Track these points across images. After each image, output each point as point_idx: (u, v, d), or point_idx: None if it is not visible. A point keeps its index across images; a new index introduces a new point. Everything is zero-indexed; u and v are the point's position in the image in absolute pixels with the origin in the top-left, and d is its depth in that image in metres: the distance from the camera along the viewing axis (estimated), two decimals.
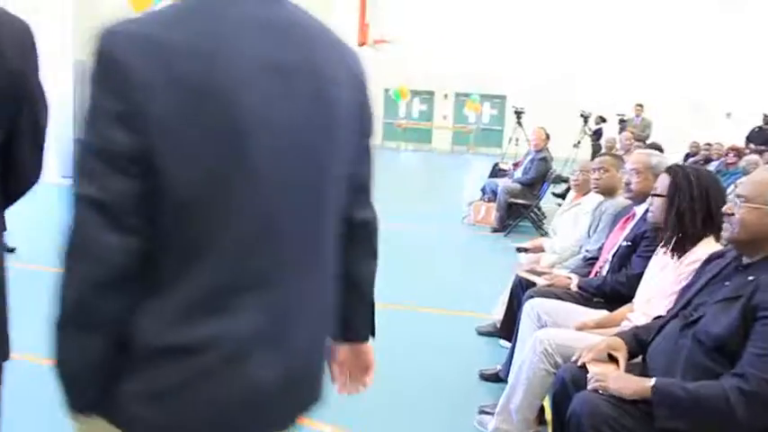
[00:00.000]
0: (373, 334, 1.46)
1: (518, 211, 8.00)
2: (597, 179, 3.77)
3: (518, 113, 13.14)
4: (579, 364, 2.26)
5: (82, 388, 1.06)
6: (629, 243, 3.12)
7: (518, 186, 7.98)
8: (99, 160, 0.95)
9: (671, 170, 2.62)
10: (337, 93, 1.13)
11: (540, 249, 4.42)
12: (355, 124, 1.19)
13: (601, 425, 1.91)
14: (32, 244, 6.19)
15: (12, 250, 6.00)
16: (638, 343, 2.27)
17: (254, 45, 1.03)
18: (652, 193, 2.69)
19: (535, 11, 21.09)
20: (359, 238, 1.32)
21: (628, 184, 3.15)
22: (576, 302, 3.12)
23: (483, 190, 8.97)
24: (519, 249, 4.52)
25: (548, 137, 8.42)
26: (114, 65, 0.95)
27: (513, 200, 7.94)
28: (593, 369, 2.15)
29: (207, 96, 0.98)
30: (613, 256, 3.21)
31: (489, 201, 8.52)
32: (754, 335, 1.83)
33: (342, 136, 1.15)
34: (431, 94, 23.33)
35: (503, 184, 8.17)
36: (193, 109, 0.97)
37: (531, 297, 3.18)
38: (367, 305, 1.42)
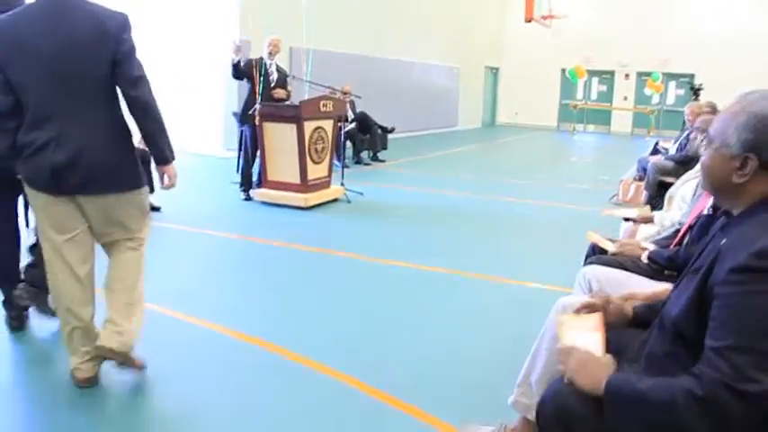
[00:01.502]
0: (172, 159, 2.88)
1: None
2: (693, 139, 3.28)
3: (695, 91, 11.99)
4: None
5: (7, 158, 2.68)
6: (712, 210, 2.68)
7: (670, 164, 7.23)
8: None
9: None
10: (91, 39, 2.57)
11: (650, 221, 3.96)
12: (105, 53, 2.60)
13: (568, 421, 1.58)
14: (177, 206, 6.76)
15: (157, 209, 6.59)
16: (654, 314, 1.85)
17: (37, 19, 2.53)
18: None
19: None
20: (133, 105, 2.70)
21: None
22: (643, 274, 2.74)
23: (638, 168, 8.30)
24: (626, 218, 4.08)
25: (713, 112, 7.55)
26: None
27: (663, 178, 7.21)
28: (564, 334, 1.82)
29: (16, 44, 2.52)
30: (694, 224, 2.78)
31: (640, 179, 7.85)
32: (711, 322, 1.44)
33: (92, 54, 2.58)
34: (611, 73, 21.96)
35: (653, 160, 7.46)
36: (12, 50, 2.52)
37: (592, 264, 2.85)
38: (156, 148, 2.80)
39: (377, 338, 3.60)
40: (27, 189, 2.70)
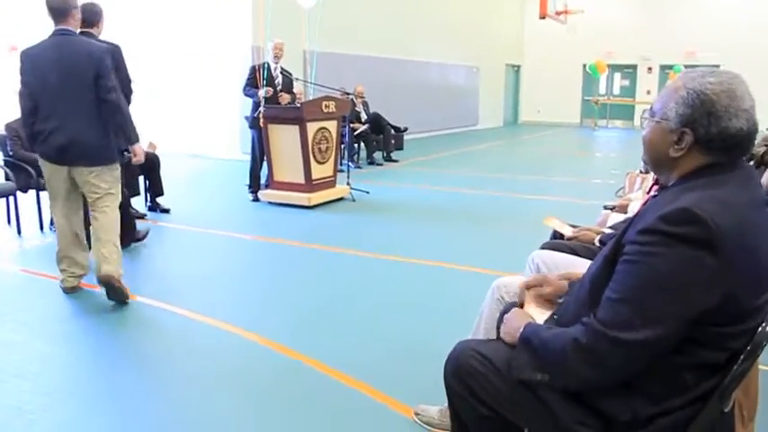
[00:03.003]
0: (136, 141, 4.17)
1: None
2: None
3: None
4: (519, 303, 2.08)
5: (30, 142, 4.22)
6: (658, 189, 2.73)
7: None
8: (21, 85, 4.00)
9: None
10: (81, 63, 3.89)
11: (626, 209, 4.00)
12: (90, 72, 3.88)
13: (466, 377, 1.72)
14: (186, 208, 6.97)
15: (166, 210, 6.81)
16: None
17: (49, 50, 3.93)
18: None
19: None
20: (106, 106, 3.94)
21: None
22: (593, 258, 2.81)
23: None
24: (605, 207, 4.12)
25: None
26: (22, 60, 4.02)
27: None
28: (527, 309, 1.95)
29: (38, 67, 3.94)
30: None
31: (646, 171, 7.81)
32: (614, 275, 1.52)
33: (83, 72, 3.89)
34: (633, 67, 21.74)
35: None
36: (35, 71, 3.94)
37: (543, 248, 2.92)
38: (124, 135, 4.09)
39: (364, 332, 3.73)
40: (40, 161, 4.05)
